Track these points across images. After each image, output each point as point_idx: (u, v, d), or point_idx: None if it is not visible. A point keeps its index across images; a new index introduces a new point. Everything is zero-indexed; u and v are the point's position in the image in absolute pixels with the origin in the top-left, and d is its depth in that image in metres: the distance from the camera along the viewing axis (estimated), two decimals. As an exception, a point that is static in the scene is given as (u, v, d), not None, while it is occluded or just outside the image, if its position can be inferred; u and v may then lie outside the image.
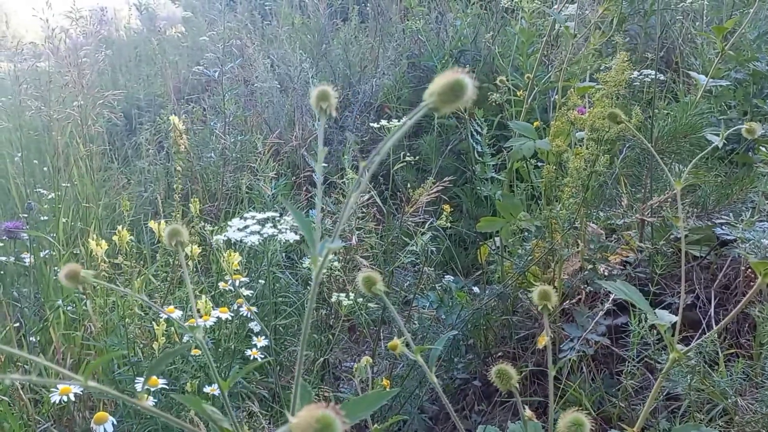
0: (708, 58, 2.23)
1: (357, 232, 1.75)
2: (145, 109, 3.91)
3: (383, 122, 1.55)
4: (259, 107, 3.33)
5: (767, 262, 0.74)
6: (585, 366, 1.42)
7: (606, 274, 1.52)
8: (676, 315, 0.90)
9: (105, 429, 1.07)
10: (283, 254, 1.94)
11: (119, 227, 1.39)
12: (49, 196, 2.12)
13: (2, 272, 1.91)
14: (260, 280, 1.59)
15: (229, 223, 1.25)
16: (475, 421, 1.66)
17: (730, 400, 1.03)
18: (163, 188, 2.86)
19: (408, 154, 1.75)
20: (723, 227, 1.36)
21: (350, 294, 1.48)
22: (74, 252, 2.13)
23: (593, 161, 1.41)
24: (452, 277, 1.86)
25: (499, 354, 1.72)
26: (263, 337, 1.41)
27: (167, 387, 1.20)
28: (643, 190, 1.69)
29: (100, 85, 3.44)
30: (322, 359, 1.66)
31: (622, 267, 1.63)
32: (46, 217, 2.14)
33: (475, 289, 1.79)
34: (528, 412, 0.73)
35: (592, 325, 1.35)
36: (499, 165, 2.07)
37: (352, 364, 1.88)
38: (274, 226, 1.25)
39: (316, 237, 0.51)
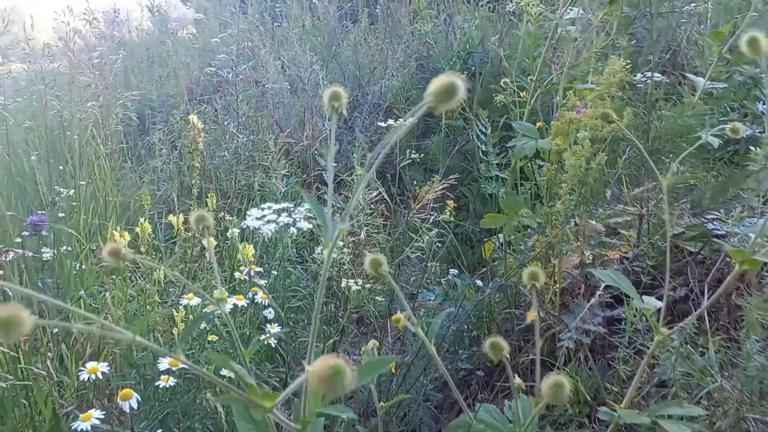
0: (709, 61, 2.28)
1: (365, 228, 1.82)
2: (157, 109, 3.98)
3: (390, 121, 1.62)
4: (270, 108, 3.40)
5: (743, 250, 0.81)
6: (582, 355, 1.48)
7: (603, 268, 1.58)
8: (667, 304, 0.97)
9: (130, 404, 1.15)
10: (294, 249, 2.02)
11: (141, 219, 1.46)
12: (70, 192, 2.21)
13: (26, 266, 1.99)
14: (273, 272, 1.66)
15: (248, 212, 1.33)
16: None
17: (715, 384, 1.09)
18: (177, 186, 2.94)
19: (415, 152, 1.82)
20: (714, 223, 1.43)
21: (358, 281, 1.55)
22: (92, 248, 2.21)
23: (588, 159, 1.47)
24: (457, 271, 1.93)
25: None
26: (276, 324, 1.48)
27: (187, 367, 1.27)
28: (641, 189, 1.75)
29: (115, 85, 3.53)
30: (332, 344, 1.73)
31: (620, 263, 1.70)
32: (63, 214, 2.23)
33: (479, 283, 1.86)
34: (518, 380, 0.80)
35: (584, 310, 1.42)
36: (504, 164, 2.13)
37: (360, 356, 1.95)
38: (289, 215, 1.33)
39: (328, 219, 0.58)
